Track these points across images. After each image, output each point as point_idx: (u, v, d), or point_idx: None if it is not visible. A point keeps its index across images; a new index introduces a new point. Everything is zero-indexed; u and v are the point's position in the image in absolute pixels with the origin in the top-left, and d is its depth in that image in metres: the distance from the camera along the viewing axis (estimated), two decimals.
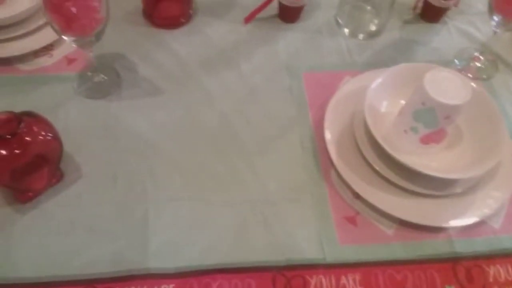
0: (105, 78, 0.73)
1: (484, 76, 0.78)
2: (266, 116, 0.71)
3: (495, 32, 0.72)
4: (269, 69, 0.77)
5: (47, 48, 0.75)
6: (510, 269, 0.60)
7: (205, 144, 0.67)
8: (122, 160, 0.65)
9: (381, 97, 0.67)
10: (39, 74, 0.73)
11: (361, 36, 0.82)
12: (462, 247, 0.60)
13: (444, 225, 0.61)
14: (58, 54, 0.75)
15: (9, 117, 0.53)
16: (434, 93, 0.58)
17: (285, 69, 0.77)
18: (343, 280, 0.58)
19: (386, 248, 0.60)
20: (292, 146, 0.68)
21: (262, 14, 0.82)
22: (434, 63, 0.69)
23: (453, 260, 0.60)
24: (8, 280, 0.56)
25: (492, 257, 0.60)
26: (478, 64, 0.79)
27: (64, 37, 0.62)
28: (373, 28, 0.82)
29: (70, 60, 0.75)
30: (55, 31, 0.61)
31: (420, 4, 0.84)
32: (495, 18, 0.70)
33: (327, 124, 0.68)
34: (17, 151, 0.54)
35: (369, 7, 0.83)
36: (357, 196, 0.63)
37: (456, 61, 0.79)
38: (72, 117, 0.69)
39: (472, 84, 0.63)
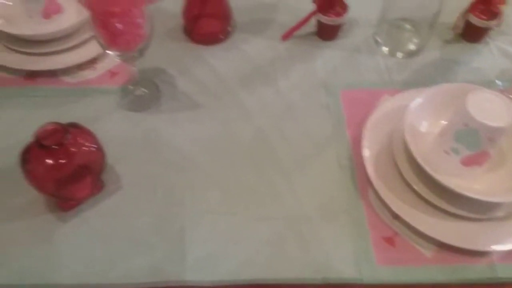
0: (146, 92, 0.74)
1: None
2: (303, 133, 0.71)
3: None
4: (307, 86, 0.77)
5: (91, 62, 0.77)
6: None
7: (242, 159, 0.68)
8: (161, 172, 0.66)
9: (421, 117, 0.67)
10: (82, 86, 0.75)
11: (400, 55, 0.81)
12: (505, 272, 0.58)
13: (485, 249, 0.59)
14: (101, 67, 0.77)
15: (56, 128, 0.54)
16: (478, 115, 0.57)
17: (322, 86, 0.77)
18: None
19: (424, 270, 0.59)
20: (329, 163, 0.68)
21: (299, 32, 0.83)
22: (475, 84, 0.68)
23: (496, 286, 0.58)
24: (48, 287, 0.57)
25: None
26: None
27: (109, 52, 0.64)
28: (412, 47, 0.82)
29: (113, 74, 0.77)
30: (101, 45, 0.63)
31: (461, 24, 0.83)
32: None
33: (365, 142, 0.67)
34: (62, 161, 0.55)
35: (408, 26, 0.82)
36: (395, 216, 0.62)
37: (497, 81, 0.78)
38: (113, 129, 0.70)
39: None
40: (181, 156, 0.68)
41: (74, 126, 0.58)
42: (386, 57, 0.81)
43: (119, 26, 0.59)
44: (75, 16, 0.79)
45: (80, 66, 0.77)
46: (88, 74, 0.77)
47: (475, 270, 0.59)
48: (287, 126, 0.72)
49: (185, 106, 0.74)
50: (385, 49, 0.82)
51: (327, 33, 0.82)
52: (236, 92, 0.76)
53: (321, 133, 0.71)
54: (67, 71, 0.76)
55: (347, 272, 0.58)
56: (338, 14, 0.79)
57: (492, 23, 0.80)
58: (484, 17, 0.80)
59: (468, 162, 0.62)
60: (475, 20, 0.81)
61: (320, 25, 0.81)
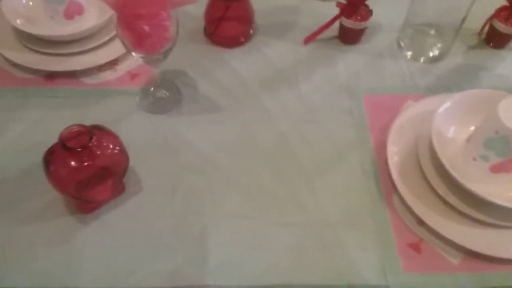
0: (166, 94, 0.74)
1: None
2: (325, 137, 0.70)
3: None
4: (329, 89, 0.76)
5: (112, 63, 0.77)
6: None
7: (263, 163, 0.67)
8: (181, 175, 0.65)
9: (449, 122, 0.65)
10: (103, 87, 0.74)
11: (423, 60, 0.80)
12: None
13: None
14: (122, 69, 0.77)
15: (81, 130, 0.54)
16: (510, 122, 0.56)
17: (344, 90, 0.76)
18: None
19: (452, 278, 0.57)
20: (353, 168, 0.67)
21: (322, 35, 0.82)
22: (500, 90, 0.66)
23: None
24: None
25: None
26: None
27: (134, 54, 0.64)
28: (436, 52, 0.80)
29: (133, 75, 0.76)
30: (126, 47, 0.63)
31: (486, 30, 0.82)
32: None
33: (390, 147, 0.66)
34: (86, 164, 0.54)
35: (432, 31, 0.81)
36: (421, 222, 0.61)
37: None
38: (133, 131, 0.69)
39: None
40: (202, 159, 0.67)
41: (98, 128, 0.57)
42: (409, 62, 0.80)
43: (146, 28, 0.58)
44: (96, 17, 0.79)
45: (100, 67, 0.76)
46: (108, 75, 0.76)
47: (504, 278, 0.57)
48: (309, 130, 0.71)
49: (206, 109, 0.73)
50: (408, 54, 0.81)
51: (350, 37, 0.81)
52: (257, 95, 0.75)
53: (344, 137, 0.70)
54: (87, 72, 0.75)
55: (373, 279, 0.57)
56: (362, 18, 0.78)
57: None
58: (509, 23, 0.78)
59: (497, 169, 0.61)
60: (500, 26, 0.80)
61: (343, 29, 0.80)
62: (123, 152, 0.58)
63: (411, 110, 0.70)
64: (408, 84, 0.77)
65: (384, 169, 0.66)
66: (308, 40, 0.82)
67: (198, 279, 0.56)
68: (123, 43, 0.63)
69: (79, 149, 0.53)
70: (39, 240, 0.59)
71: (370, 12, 0.79)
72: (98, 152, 0.55)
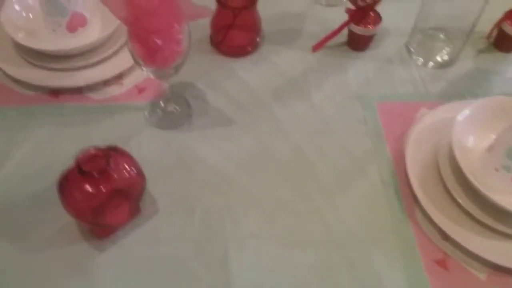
0: (176, 108, 0.72)
1: None
2: (342, 148, 0.68)
3: None
4: (341, 98, 0.74)
5: (118, 77, 0.74)
6: None
7: (280, 178, 0.65)
8: (198, 193, 0.63)
9: (468, 131, 0.64)
10: (110, 103, 0.72)
11: (433, 65, 0.79)
12: None
13: None
14: (128, 83, 0.74)
15: (98, 154, 0.51)
16: None
17: (357, 98, 0.74)
18: None
19: None
20: (372, 181, 0.65)
21: (330, 42, 0.81)
22: None
23: None
24: None
25: None
26: None
27: (144, 69, 0.61)
28: (446, 57, 0.79)
29: (140, 89, 0.74)
30: (137, 62, 0.60)
31: (495, 33, 0.81)
32: None
33: (409, 159, 0.65)
34: (102, 188, 0.52)
35: (442, 36, 0.80)
36: (445, 237, 0.60)
37: None
38: (144, 148, 0.67)
39: None
40: (217, 175, 0.65)
41: (113, 149, 0.55)
42: (420, 67, 0.79)
43: (158, 42, 0.56)
44: (100, 29, 0.76)
45: (106, 82, 0.74)
46: (115, 90, 0.73)
47: None
48: (324, 141, 0.69)
49: (218, 122, 0.71)
50: (418, 59, 0.80)
51: (359, 43, 0.80)
52: (269, 106, 0.73)
53: (360, 148, 0.69)
54: (92, 87, 0.73)
55: None
56: (372, 24, 0.76)
57: None
58: None
59: None
60: (509, 29, 0.79)
61: (352, 35, 0.79)
62: (140, 173, 0.56)
63: (428, 119, 0.69)
64: (420, 91, 0.76)
65: (403, 181, 0.65)
66: (316, 47, 0.80)
67: None
68: (134, 58, 0.60)
69: (96, 174, 0.51)
70: (53, 269, 0.56)
71: (379, 18, 0.77)
72: (115, 175, 0.53)
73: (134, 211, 0.59)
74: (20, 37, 0.72)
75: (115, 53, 0.75)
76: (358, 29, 0.77)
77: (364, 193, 0.64)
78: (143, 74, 0.73)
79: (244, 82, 0.76)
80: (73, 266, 0.57)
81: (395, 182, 0.65)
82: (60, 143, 0.67)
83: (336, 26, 0.80)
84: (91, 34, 0.75)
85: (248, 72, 0.77)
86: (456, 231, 0.59)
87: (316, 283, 0.56)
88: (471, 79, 0.78)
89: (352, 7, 0.76)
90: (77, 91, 0.73)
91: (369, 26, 0.76)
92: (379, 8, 0.77)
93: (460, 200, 0.60)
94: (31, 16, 0.76)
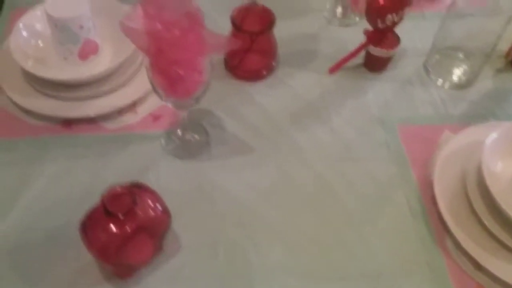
0: (194, 136, 0.70)
1: None
2: (366, 174, 0.67)
3: None
4: (361, 122, 0.73)
5: (131, 105, 0.72)
6: None
7: (304, 208, 0.63)
8: (221, 227, 0.61)
9: (496, 155, 0.63)
10: (124, 132, 0.70)
11: (453, 85, 0.78)
12: None
13: None
14: (142, 111, 0.72)
15: (123, 192, 0.49)
16: None
17: (377, 122, 0.73)
18: None
19: None
20: (399, 208, 0.63)
21: (346, 63, 0.79)
22: None
23: None
24: None
25: None
26: None
27: (164, 99, 0.59)
28: (465, 77, 0.78)
29: (155, 117, 0.72)
30: (158, 94, 0.58)
31: None
32: None
33: (436, 186, 0.63)
34: (128, 228, 0.50)
35: (461, 55, 0.79)
36: (478, 266, 0.58)
37: None
38: (163, 179, 0.65)
39: None
40: (240, 206, 0.63)
41: (137, 186, 0.53)
42: (439, 88, 0.78)
43: (181, 72, 0.54)
44: (111, 55, 0.74)
45: (120, 111, 0.71)
46: (129, 119, 0.71)
47: None
48: (348, 168, 0.67)
49: (237, 150, 0.69)
50: (437, 80, 0.78)
51: (377, 65, 0.78)
52: (288, 132, 0.71)
53: (385, 174, 0.67)
54: (106, 116, 0.71)
55: None
56: (390, 46, 0.75)
57: None
58: None
59: None
60: None
61: (370, 57, 0.77)
62: (165, 211, 0.54)
63: (453, 143, 0.68)
64: (441, 113, 0.74)
65: (432, 208, 0.63)
66: (333, 69, 0.78)
67: None
68: (154, 89, 0.59)
69: (121, 216, 0.48)
70: None
71: (398, 39, 0.76)
72: (141, 214, 0.51)
73: (158, 249, 0.57)
74: (30, 66, 0.70)
75: (128, 80, 0.73)
76: (376, 51, 0.75)
77: (392, 221, 0.62)
78: (157, 101, 0.71)
79: (261, 107, 0.74)
80: None
81: (423, 210, 0.63)
82: (76, 176, 0.65)
83: (351, 46, 0.79)
84: (102, 61, 0.73)
85: (264, 97, 0.75)
86: (488, 261, 0.58)
87: None
88: (491, 99, 0.77)
89: (370, 28, 0.74)
90: (90, 120, 0.70)
91: (387, 47, 0.75)
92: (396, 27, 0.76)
93: (491, 228, 0.58)
94: (41, 44, 0.74)
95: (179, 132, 0.69)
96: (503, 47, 0.80)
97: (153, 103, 0.73)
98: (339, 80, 0.78)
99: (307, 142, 0.70)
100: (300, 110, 0.74)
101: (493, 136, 0.62)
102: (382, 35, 0.74)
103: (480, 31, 0.74)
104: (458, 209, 0.62)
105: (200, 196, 0.64)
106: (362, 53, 0.78)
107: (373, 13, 0.70)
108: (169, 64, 0.54)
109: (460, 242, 0.59)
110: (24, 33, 0.73)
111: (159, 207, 0.53)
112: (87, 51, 0.70)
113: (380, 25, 0.71)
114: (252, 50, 0.73)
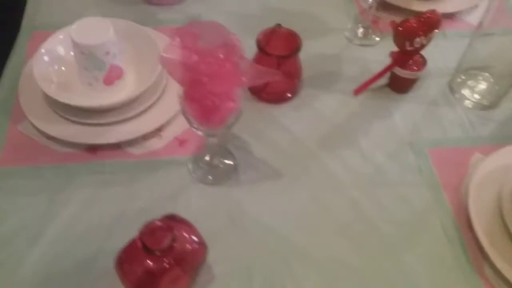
0: (221, 161, 0.68)
1: None
2: (400, 201, 0.65)
3: None
4: (390, 145, 0.72)
5: (156, 129, 0.71)
6: None
7: (340, 235, 0.62)
8: (254, 255, 0.60)
9: None
10: (150, 158, 0.68)
11: (479, 106, 0.77)
12: None
13: None
14: (167, 135, 0.71)
15: (162, 227, 0.48)
16: None
17: (407, 145, 0.72)
18: None
19: None
20: (435, 234, 0.62)
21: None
22: None
23: None
24: None
25: None
26: None
27: (195, 127, 0.58)
28: (492, 97, 0.77)
29: (181, 142, 0.71)
30: (190, 123, 0.57)
31: None
32: None
33: (472, 211, 0.62)
34: (166, 264, 0.48)
35: (487, 74, 0.78)
36: None
37: None
38: (193, 207, 0.64)
39: None
40: (273, 235, 0.62)
41: (173, 218, 0.52)
42: (466, 109, 0.77)
43: (216, 100, 0.53)
44: (134, 79, 0.73)
45: (145, 136, 0.70)
46: (155, 144, 0.70)
47: None
48: (381, 193, 0.66)
49: (266, 176, 0.68)
50: (463, 100, 0.77)
51: (402, 86, 0.77)
52: (317, 156, 0.70)
53: (419, 199, 0.66)
54: (131, 141, 0.69)
55: None
56: (418, 68, 0.74)
57: None
58: None
59: None
60: None
61: (396, 78, 0.76)
62: (201, 243, 0.53)
63: (486, 165, 0.67)
64: (470, 134, 0.74)
65: (468, 233, 0.62)
66: (358, 91, 0.78)
67: None
68: (187, 118, 0.57)
69: (158, 253, 0.47)
70: None
71: (424, 61, 0.75)
72: (178, 249, 0.49)
73: (192, 281, 0.56)
74: (54, 92, 0.68)
75: (153, 104, 0.71)
76: (403, 73, 0.74)
77: (428, 247, 0.61)
78: (182, 125, 0.71)
79: (288, 130, 0.73)
80: None
81: (459, 235, 0.62)
82: (104, 204, 0.64)
83: (373, 67, 0.79)
84: (127, 85, 0.72)
85: (290, 120, 0.74)
86: None
87: None
88: None
89: (396, 50, 0.73)
90: (116, 146, 0.69)
91: (414, 69, 0.74)
92: None
93: None
94: (64, 69, 0.72)
95: (206, 157, 0.68)
96: None
97: (178, 126, 0.71)
98: (364, 101, 0.77)
99: (337, 166, 0.69)
100: (328, 133, 0.73)
101: None
102: (408, 57, 0.74)
103: (507, 51, 0.73)
104: (495, 234, 0.61)
105: (231, 223, 0.63)
106: (387, 74, 0.78)
107: (402, 35, 0.69)
108: (205, 94, 0.52)
109: (498, 267, 0.58)
110: (46, 58, 0.72)
111: (196, 240, 0.52)
112: (113, 76, 0.69)
113: (408, 47, 0.70)
114: None
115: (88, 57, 0.66)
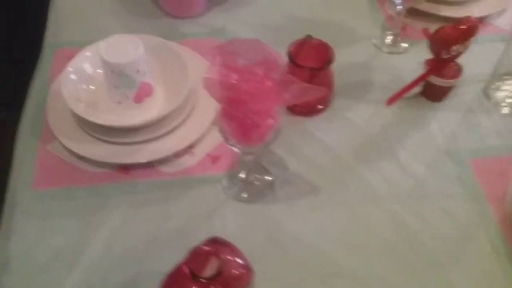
0: (257, 177, 0.67)
1: None
2: (443, 214, 0.63)
3: None
4: (429, 155, 0.70)
5: (188, 146, 0.69)
6: None
7: (383, 253, 0.60)
8: (297, 277, 0.58)
9: None
10: (183, 176, 0.67)
11: None
12: None
13: None
14: (199, 152, 0.69)
15: (209, 252, 0.46)
16: None
17: (446, 154, 0.70)
18: None
19: None
20: (481, 247, 0.60)
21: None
22: None
23: None
24: None
25: None
26: None
27: (234, 146, 0.57)
28: None
29: (214, 158, 0.69)
30: (228, 142, 0.56)
31: None
32: None
33: None
34: None
35: None
36: None
37: None
38: (230, 226, 0.62)
39: None
40: (314, 254, 0.60)
41: (216, 242, 0.50)
42: (503, 116, 0.75)
43: (257, 121, 0.51)
44: (163, 96, 0.72)
45: (177, 153, 0.69)
46: (187, 161, 0.68)
47: None
48: (422, 206, 0.64)
49: (303, 192, 0.66)
50: (500, 107, 0.75)
51: (437, 94, 0.75)
52: (354, 169, 0.68)
53: (462, 212, 0.64)
54: (163, 159, 0.68)
55: None
56: (453, 75, 0.72)
57: None
58: None
59: None
60: None
61: (430, 86, 0.74)
62: (248, 267, 0.51)
63: None
64: (509, 142, 0.71)
65: None
66: (392, 101, 0.76)
67: None
68: (224, 136, 0.56)
69: (204, 281, 0.45)
70: None
71: (460, 68, 0.73)
72: (225, 275, 0.47)
73: None
74: (83, 111, 0.67)
75: (183, 121, 0.70)
76: (439, 81, 0.72)
77: (475, 262, 0.59)
78: (214, 141, 0.70)
79: (323, 143, 0.71)
80: None
81: (506, 248, 0.60)
82: (139, 225, 0.62)
83: (404, 75, 0.77)
84: (156, 102, 0.71)
85: (324, 132, 0.72)
86: None
87: None
88: None
89: (431, 57, 0.71)
90: (147, 164, 0.67)
91: (450, 77, 0.72)
92: None
93: None
94: (92, 87, 0.71)
95: (241, 174, 0.66)
96: None
97: (210, 142, 0.70)
98: (398, 111, 0.76)
99: (375, 178, 0.67)
100: (363, 144, 0.71)
101: None
102: (444, 65, 0.72)
103: None
104: None
105: (270, 243, 0.61)
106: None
107: (439, 43, 0.68)
108: (244, 113, 0.51)
109: None
110: (73, 77, 0.71)
111: (242, 263, 0.50)
112: (143, 94, 0.68)
113: (444, 55, 0.68)
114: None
115: (118, 76, 0.65)
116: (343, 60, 0.82)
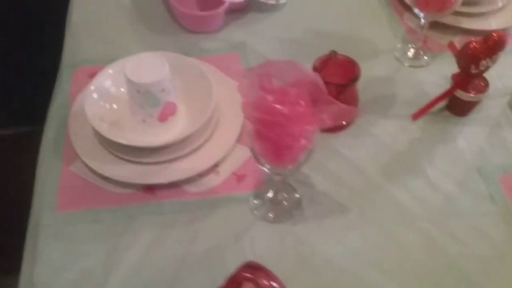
0: (285, 196, 0.65)
1: None
2: (477, 233, 0.62)
3: None
4: (458, 172, 0.69)
5: (213, 165, 0.68)
6: None
7: (418, 274, 0.59)
8: None
9: None
10: (209, 196, 0.66)
11: None
12: None
13: None
14: (224, 170, 0.68)
15: (247, 278, 0.45)
16: None
17: (475, 171, 0.69)
18: None
19: None
20: None
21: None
22: None
23: None
24: None
25: None
26: None
27: (265, 168, 0.56)
28: None
29: (239, 177, 0.68)
30: (258, 160, 0.55)
31: None
32: None
33: None
34: None
35: None
36: None
37: None
38: (258, 247, 0.61)
39: None
40: (347, 277, 0.59)
41: (251, 266, 0.49)
42: None
43: (289, 141, 0.50)
44: (186, 114, 0.71)
45: (201, 172, 0.67)
46: (212, 180, 0.67)
47: None
48: (455, 225, 0.63)
49: (332, 210, 0.65)
50: None
51: (464, 109, 0.74)
52: (383, 187, 0.67)
53: (496, 231, 0.63)
54: (188, 179, 0.67)
55: None
56: (480, 90, 0.71)
57: None
58: None
59: None
60: None
61: (457, 101, 0.73)
62: None
63: None
64: None
65: None
66: (417, 115, 0.75)
67: None
68: (256, 157, 0.55)
69: None
70: None
71: (486, 83, 0.72)
72: None
73: None
74: (107, 131, 0.66)
75: (208, 140, 0.69)
76: (466, 96, 0.71)
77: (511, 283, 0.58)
78: (239, 159, 0.69)
79: (349, 160, 0.70)
80: None
81: None
82: (166, 248, 0.61)
83: (428, 88, 0.77)
84: (179, 120, 0.70)
85: (350, 149, 0.71)
86: None
87: None
88: None
89: (457, 72, 0.70)
90: (172, 184, 0.66)
91: (476, 92, 0.71)
92: None
93: None
94: (115, 106, 0.70)
95: (269, 194, 0.65)
96: None
97: (235, 161, 0.69)
98: (424, 126, 0.74)
99: (404, 196, 0.66)
100: (390, 161, 0.70)
101: None
102: (471, 80, 0.71)
103: None
104: None
105: (301, 265, 0.60)
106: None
107: (468, 58, 0.67)
108: (279, 134, 0.50)
109: None
110: (96, 95, 0.70)
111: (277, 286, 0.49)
112: (167, 113, 0.67)
113: (473, 70, 0.67)
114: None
115: (143, 95, 0.64)
116: (365, 74, 0.80)
